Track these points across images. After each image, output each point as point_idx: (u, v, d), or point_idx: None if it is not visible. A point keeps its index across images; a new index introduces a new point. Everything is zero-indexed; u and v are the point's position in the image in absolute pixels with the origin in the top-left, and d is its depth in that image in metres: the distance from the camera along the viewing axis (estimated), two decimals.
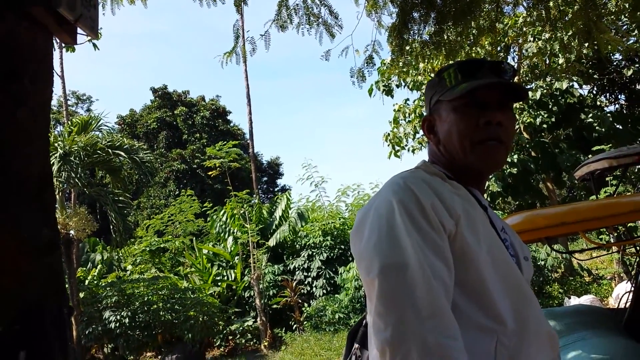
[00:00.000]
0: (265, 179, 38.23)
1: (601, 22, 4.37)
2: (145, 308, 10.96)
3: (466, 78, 1.36)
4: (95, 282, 13.33)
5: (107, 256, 16.18)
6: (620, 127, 12.59)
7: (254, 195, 16.98)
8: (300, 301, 12.65)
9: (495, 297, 1.20)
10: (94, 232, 12.03)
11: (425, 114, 1.54)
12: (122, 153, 11.44)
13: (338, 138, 78.80)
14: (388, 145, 14.90)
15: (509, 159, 12.16)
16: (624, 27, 11.49)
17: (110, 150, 11.31)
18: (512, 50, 13.04)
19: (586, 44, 7.27)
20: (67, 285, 10.88)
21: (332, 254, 13.31)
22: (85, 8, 1.62)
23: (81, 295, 10.96)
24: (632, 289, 3.88)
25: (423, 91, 13.26)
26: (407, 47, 5.04)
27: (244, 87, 19.96)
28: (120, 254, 16.12)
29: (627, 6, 4.83)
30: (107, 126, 13.22)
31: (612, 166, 3.82)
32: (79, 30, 1.72)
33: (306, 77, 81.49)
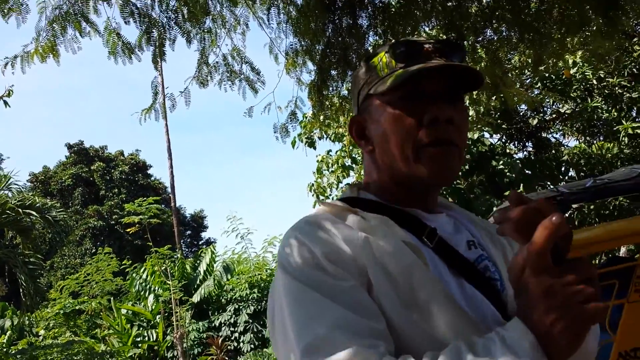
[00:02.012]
0: (188, 232, 37.38)
1: (507, 77, 4.70)
2: None
3: (403, 63, 1.03)
4: (5, 349, 12.42)
5: (18, 321, 15.13)
6: (530, 172, 13.35)
7: (177, 250, 16.53)
8: (227, 358, 12.26)
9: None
10: (3, 296, 11.29)
11: (353, 114, 1.20)
12: (33, 212, 10.93)
13: (263, 190, 78.66)
14: (312, 195, 15.05)
15: None
16: (528, 81, 12.39)
17: (20, 210, 10.78)
18: None
19: (494, 97, 7.78)
20: None
21: (259, 307, 13.06)
22: None
23: None
24: None
25: (344, 142, 13.58)
26: (327, 103, 5.19)
27: (164, 141, 19.70)
28: (32, 319, 15.12)
29: (529, 62, 5.23)
30: (17, 184, 12.64)
31: None
32: None
33: (229, 131, 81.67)
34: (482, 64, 4.35)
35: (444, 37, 4.61)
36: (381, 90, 1.04)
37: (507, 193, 11.59)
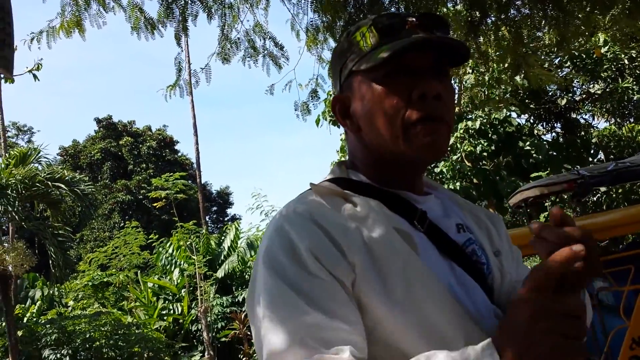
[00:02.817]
0: (214, 208, 37.76)
1: (530, 56, 4.60)
2: (87, 345, 10.56)
3: (387, 38, 0.99)
4: (35, 319, 12.79)
5: (48, 292, 15.57)
6: (556, 154, 13.13)
7: (202, 226, 16.75)
8: (249, 333, 12.45)
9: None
10: (33, 268, 11.61)
11: (333, 92, 1.13)
12: (62, 185, 11.14)
13: (287, 167, 79.10)
14: None
15: (451, 187, 12.48)
16: (557, 60, 12.10)
17: (49, 183, 11.00)
18: (453, 81, 13.48)
19: (522, 76, 7.62)
20: (4, 324, 10.41)
21: None
22: None
23: (19, 333, 10.48)
24: None
25: None
26: None
27: (191, 117, 19.79)
28: (62, 290, 15.54)
29: (554, 41, 5.11)
30: (47, 158, 12.92)
31: (544, 194, 3.98)
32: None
33: (255, 107, 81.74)
34: (504, 43, 4.26)
35: (470, 17, 4.51)
36: (365, 66, 0.99)
37: (533, 175, 11.41)
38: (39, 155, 12.12)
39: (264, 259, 0.92)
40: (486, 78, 7.74)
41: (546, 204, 10.69)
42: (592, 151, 13.09)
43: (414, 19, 1.00)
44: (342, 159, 14.90)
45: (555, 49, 5.02)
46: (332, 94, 5.33)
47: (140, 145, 32.83)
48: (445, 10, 4.88)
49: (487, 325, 0.91)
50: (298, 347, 0.82)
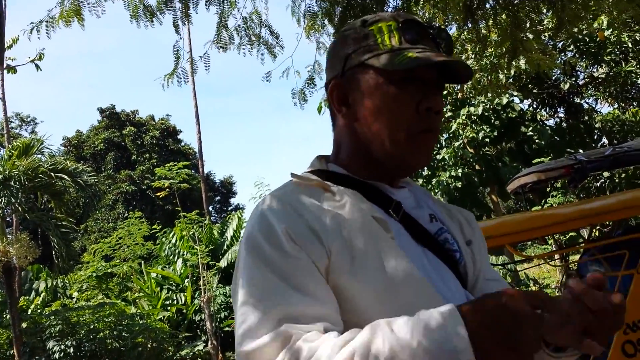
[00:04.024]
0: (218, 198, 37.86)
1: (528, 41, 4.54)
2: (91, 336, 10.61)
3: (409, 44, 1.02)
4: (39, 310, 12.85)
5: (52, 284, 15.64)
6: (559, 139, 13.06)
7: (205, 215, 16.77)
8: None
9: None
10: (37, 259, 11.65)
11: (328, 75, 1.15)
12: (65, 176, 11.15)
13: (290, 154, 79.09)
14: None
15: (453, 173, 12.45)
16: (560, 43, 11.99)
17: (52, 174, 11.01)
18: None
19: (525, 61, 7.55)
20: (8, 315, 10.47)
21: None
22: None
23: (24, 325, 10.54)
24: None
25: None
26: None
27: (193, 106, 19.74)
28: (66, 281, 15.62)
29: (553, 24, 5.05)
30: (50, 149, 12.91)
31: (541, 179, 3.95)
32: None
33: (257, 94, 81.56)
34: (504, 27, 4.21)
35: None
36: (382, 65, 1.01)
37: (535, 161, 11.35)
38: (42, 146, 12.11)
39: (245, 241, 0.97)
40: (485, 63, 7.68)
41: (548, 190, 10.65)
42: (595, 136, 13.01)
43: (431, 32, 1.06)
44: None
45: (554, 32, 4.95)
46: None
47: (144, 135, 32.87)
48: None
49: None
50: (271, 322, 0.85)
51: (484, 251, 1.18)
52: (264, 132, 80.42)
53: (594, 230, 4.40)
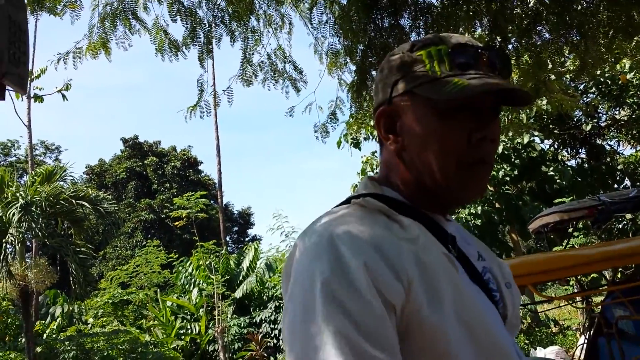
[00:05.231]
0: (236, 228, 37.95)
1: (551, 82, 4.56)
2: None
3: (459, 69, 0.96)
4: (54, 335, 12.87)
5: (68, 309, 15.69)
6: (580, 180, 12.93)
7: (222, 245, 16.80)
8: (265, 355, 12.37)
9: None
10: (55, 284, 11.73)
11: (376, 101, 1.09)
12: (86, 203, 11.29)
13: (309, 189, 79.33)
14: None
15: (473, 210, 12.37)
16: (582, 85, 11.99)
17: (74, 201, 11.16)
18: None
19: (546, 102, 7.55)
20: (23, 339, 10.50)
21: None
22: (13, 65, 1.65)
23: (38, 349, 10.56)
24: (585, 341, 3.93)
25: None
26: (366, 104, 5.17)
27: (215, 139, 20.01)
28: (82, 307, 15.66)
29: (576, 67, 5.07)
30: (72, 176, 13.12)
31: (564, 219, 3.92)
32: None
33: (278, 129, 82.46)
34: (525, 68, 4.24)
35: (489, 41, 4.50)
36: (435, 95, 0.95)
37: (556, 200, 11.24)
38: (65, 173, 12.32)
39: (321, 286, 0.84)
40: None
41: (570, 230, 10.51)
42: (617, 177, 12.87)
43: (485, 53, 0.98)
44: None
45: (577, 74, 4.97)
46: (370, 105, 5.34)
47: (165, 165, 33.27)
48: (466, 35, 4.89)
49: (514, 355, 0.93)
50: None
51: (518, 296, 1.13)
52: (284, 166, 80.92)
53: (617, 272, 4.33)
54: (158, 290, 15.93)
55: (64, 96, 15.11)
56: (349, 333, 0.79)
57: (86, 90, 67.41)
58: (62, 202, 11.07)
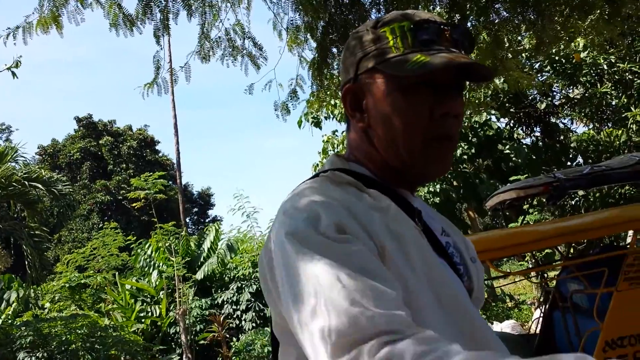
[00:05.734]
0: (195, 210, 37.56)
1: (508, 60, 4.62)
2: (63, 348, 10.37)
3: (422, 46, 0.96)
4: (10, 321, 12.55)
5: (23, 294, 15.29)
6: (536, 158, 13.23)
7: (182, 227, 16.60)
8: (228, 336, 12.36)
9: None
10: (10, 269, 11.41)
11: (342, 79, 1.10)
12: (39, 185, 11.00)
13: (270, 168, 79.05)
14: None
15: (432, 189, 12.54)
16: (537, 64, 12.21)
17: (26, 183, 10.85)
18: None
19: (502, 80, 7.66)
20: None
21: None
22: None
23: None
24: (541, 315, 4.04)
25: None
26: (327, 81, 5.14)
27: (172, 117, 19.63)
28: (38, 291, 15.29)
29: (533, 45, 5.14)
30: (24, 157, 12.72)
31: (520, 196, 4.00)
32: None
33: (237, 107, 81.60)
34: (484, 46, 4.27)
35: (448, 19, 4.51)
36: (397, 71, 0.96)
37: (512, 178, 11.50)
38: (16, 154, 11.96)
39: (289, 239, 0.85)
40: None
41: (525, 207, 10.78)
42: (570, 155, 13.22)
43: (447, 29, 0.98)
44: (324, 159, 14.90)
45: (534, 53, 5.05)
46: (338, 80, 5.31)
47: (121, 145, 32.55)
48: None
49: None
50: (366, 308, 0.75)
51: (482, 271, 1.15)
52: (245, 145, 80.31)
53: (570, 248, 4.46)
54: (116, 273, 15.64)
55: (13, 73, 14.58)
56: (340, 266, 0.79)
57: (36, 67, 65.20)
58: (14, 184, 10.75)
